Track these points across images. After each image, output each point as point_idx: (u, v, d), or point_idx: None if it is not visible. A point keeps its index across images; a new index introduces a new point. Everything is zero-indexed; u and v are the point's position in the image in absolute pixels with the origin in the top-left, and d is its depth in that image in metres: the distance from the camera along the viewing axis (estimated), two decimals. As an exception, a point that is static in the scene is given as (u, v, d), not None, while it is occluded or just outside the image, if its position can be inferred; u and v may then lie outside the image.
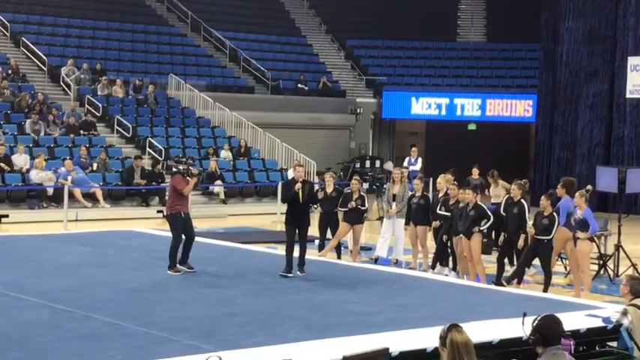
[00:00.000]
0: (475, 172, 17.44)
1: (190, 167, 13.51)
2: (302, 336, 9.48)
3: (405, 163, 22.26)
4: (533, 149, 32.53)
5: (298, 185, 13.27)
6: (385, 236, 16.31)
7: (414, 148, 23.32)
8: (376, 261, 16.15)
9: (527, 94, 34.07)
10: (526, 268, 14.28)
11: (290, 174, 27.29)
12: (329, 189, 16.02)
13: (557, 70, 29.85)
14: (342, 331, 9.70)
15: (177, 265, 13.25)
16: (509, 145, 35.69)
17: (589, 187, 15.28)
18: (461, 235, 14.06)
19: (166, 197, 23.76)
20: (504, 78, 36.46)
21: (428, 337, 8.70)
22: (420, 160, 22.55)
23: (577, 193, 13.67)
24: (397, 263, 16.12)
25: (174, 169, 13.75)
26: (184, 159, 14.14)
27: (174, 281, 12.88)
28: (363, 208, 15.69)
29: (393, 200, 16.25)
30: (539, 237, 13.24)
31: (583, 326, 9.72)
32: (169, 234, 13.57)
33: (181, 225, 13.32)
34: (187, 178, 13.37)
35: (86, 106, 28.18)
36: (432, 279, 14.05)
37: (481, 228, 13.95)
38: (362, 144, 35.23)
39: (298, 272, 13.31)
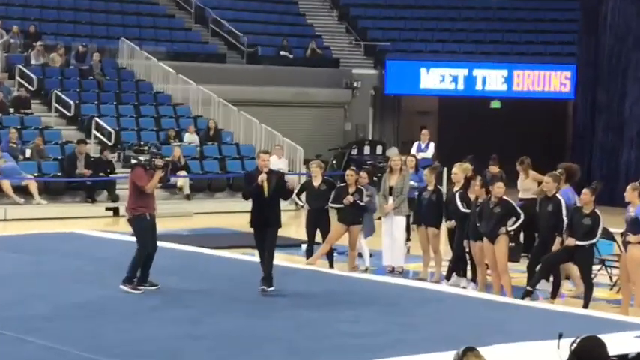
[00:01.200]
0: (494, 167, 17.24)
1: (155, 158, 13.33)
2: (286, 362, 9.50)
3: (414, 150, 22.26)
4: (571, 132, 32.59)
5: (262, 177, 13.09)
6: (387, 240, 16.36)
7: (424, 131, 23.34)
8: (392, 271, 16.19)
9: (564, 65, 34.13)
10: (562, 280, 14.33)
11: (271, 162, 27.31)
12: (316, 182, 16.04)
13: (601, 34, 29.90)
14: (335, 356, 9.73)
15: (135, 283, 13.15)
16: (541, 127, 35.76)
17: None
18: (481, 239, 14.12)
19: (117, 192, 24.03)
20: (535, 44, 36.51)
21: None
22: (432, 145, 22.56)
23: (629, 187, 13.62)
24: (394, 271, 16.13)
25: (133, 161, 13.66)
26: (147, 147, 13.98)
27: (128, 295, 12.88)
28: (362, 203, 15.69)
29: (390, 194, 16.28)
30: (579, 242, 13.28)
31: (632, 350, 9.77)
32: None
33: (149, 230, 13.28)
34: (151, 171, 13.24)
35: (17, 78, 28.10)
36: (446, 292, 14.09)
37: (509, 229, 13.98)
38: (360, 126, 35.23)
39: (262, 287, 13.04)
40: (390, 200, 16.28)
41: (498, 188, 14.04)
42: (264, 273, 13.13)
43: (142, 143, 14.81)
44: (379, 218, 17.23)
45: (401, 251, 16.44)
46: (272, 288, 13.07)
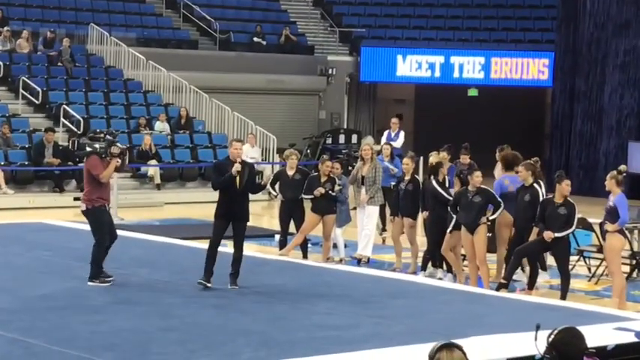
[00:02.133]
0: (465, 157, 17.22)
1: (112, 145, 13.00)
2: (259, 356, 9.49)
3: (384, 139, 22.29)
4: (550, 120, 32.71)
5: (237, 167, 12.77)
6: (364, 231, 16.36)
7: (394, 120, 23.33)
8: (359, 262, 16.19)
9: (542, 52, 34.24)
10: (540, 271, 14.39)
11: (244, 151, 27.26)
12: (290, 171, 16.01)
13: (580, 21, 30.00)
14: (309, 349, 9.72)
15: (102, 276, 12.95)
16: (519, 115, 35.89)
17: (623, 167, 15.32)
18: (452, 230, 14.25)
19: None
20: (513, 31, 36.60)
21: (416, 357, 8.73)
22: (402, 134, 22.51)
23: (608, 175, 13.71)
24: (360, 262, 16.16)
25: (88, 149, 13.24)
26: (102, 134, 13.47)
27: (95, 287, 12.82)
28: (333, 193, 15.65)
29: (362, 184, 16.26)
30: (558, 234, 13.28)
31: (611, 342, 9.81)
32: (88, 227, 13.46)
33: (107, 222, 13.11)
34: (107, 159, 12.93)
35: (-17, 64, 27.93)
36: (422, 283, 14.11)
37: (490, 218, 14.04)
38: (335, 114, 35.24)
39: (229, 286, 12.83)
40: (363, 190, 16.27)
41: (477, 177, 14.06)
42: (232, 269, 12.87)
43: (97, 130, 14.35)
44: (354, 208, 17.24)
45: (367, 240, 16.43)
46: (237, 287, 12.79)
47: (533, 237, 13.81)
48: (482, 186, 14.12)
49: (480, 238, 14.03)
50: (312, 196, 15.60)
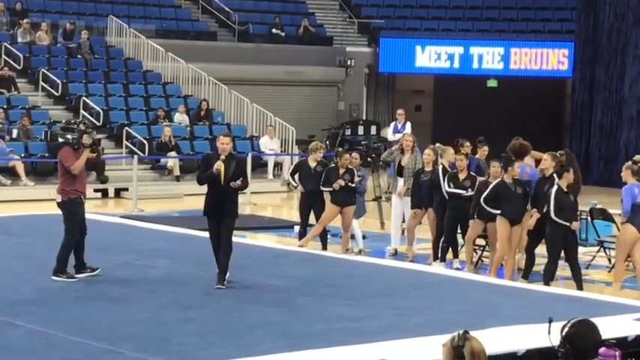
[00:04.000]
0: (466, 145, 17.14)
1: (84, 135, 12.61)
2: (277, 347, 9.50)
3: (390, 131, 22.28)
4: (569, 111, 32.57)
5: (218, 164, 12.39)
6: (397, 222, 16.32)
7: (400, 111, 23.31)
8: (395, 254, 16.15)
9: (562, 42, 34.07)
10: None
11: (263, 142, 27.37)
12: (312, 162, 15.97)
13: (600, 11, 29.88)
14: (328, 340, 9.73)
15: (69, 272, 12.72)
16: (538, 106, 35.70)
17: (638, 156, 15.28)
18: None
19: (106, 173, 24.02)
20: (533, 21, 36.45)
21: (435, 348, 8.72)
22: (409, 125, 22.41)
23: (624, 166, 13.78)
24: (396, 254, 16.16)
25: (60, 139, 12.99)
26: (76, 124, 13.09)
27: (117, 278, 12.86)
28: (352, 185, 15.62)
29: (400, 175, 16.16)
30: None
31: (632, 332, 9.79)
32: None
33: (81, 214, 12.80)
34: (80, 150, 12.59)
35: (3, 56, 27.97)
36: (441, 274, 14.11)
37: (494, 211, 13.99)
38: (353, 105, 35.18)
39: (216, 286, 12.35)
40: (400, 182, 16.20)
41: (517, 169, 14.07)
42: (219, 268, 12.48)
43: (72, 120, 14.00)
44: (373, 199, 17.21)
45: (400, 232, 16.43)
46: (224, 286, 12.37)
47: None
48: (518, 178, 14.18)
49: (525, 227, 14.04)
50: (331, 189, 15.55)
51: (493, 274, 14.13)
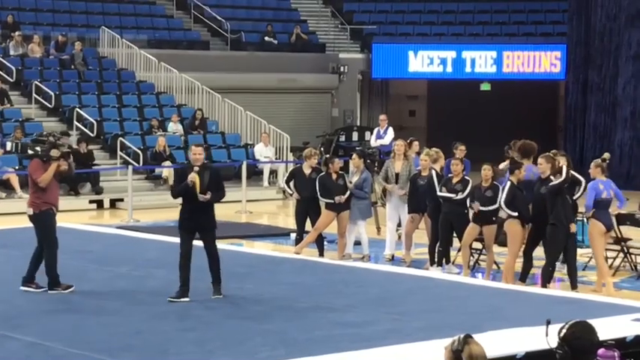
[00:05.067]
0: (461, 149, 17.14)
1: (53, 148, 12.50)
2: (276, 354, 9.50)
3: (374, 137, 22.31)
4: (563, 113, 32.63)
5: (192, 175, 12.09)
6: (391, 227, 16.31)
7: (382, 116, 23.28)
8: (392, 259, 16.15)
9: (554, 45, 34.14)
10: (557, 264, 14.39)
11: (257, 150, 27.36)
12: (307, 169, 15.98)
13: (592, 12, 29.93)
14: (327, 347, 9.73)
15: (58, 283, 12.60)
16: (532, 108, 35.79)
17: (606, 154, 15.70)
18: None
19: (101, 184, 24.00)
20: (525, 24, 36.51)
21: (434, 352, 8.72)
22: (391, 130, 22.37)
23: (592, 163, 14.09)
24: (394, 259, 16.16)
25: (30, 152, 12.89)
26: (46, 136, 12.95)
27: (113, 289, 12.85)
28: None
29: (396, 181, 16.12)
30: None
31: (630, 333, 9.79)
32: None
33: (54, 226, 12.68)
34: (49, 162, 12.47)
35: (-4, 69, 28.01)
36: (438, 279, 14.10)
37: (513, 214, 13.86)
38: (347, 111, 35.21)
39: (214, 296, 12.29)
40: (397, 188, 16.13)
41: (524, 172, 14.11)
42: (213, 278, 12.38)
43: (43, 133, 13.92)
44: (375, 203, 17.22)
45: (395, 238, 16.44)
46: (221, 295, 12.31)
47: None
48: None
49: (513, 231, 14.07)
50: (332, 201, 15.52)
51: (510, 280, 13.91)
